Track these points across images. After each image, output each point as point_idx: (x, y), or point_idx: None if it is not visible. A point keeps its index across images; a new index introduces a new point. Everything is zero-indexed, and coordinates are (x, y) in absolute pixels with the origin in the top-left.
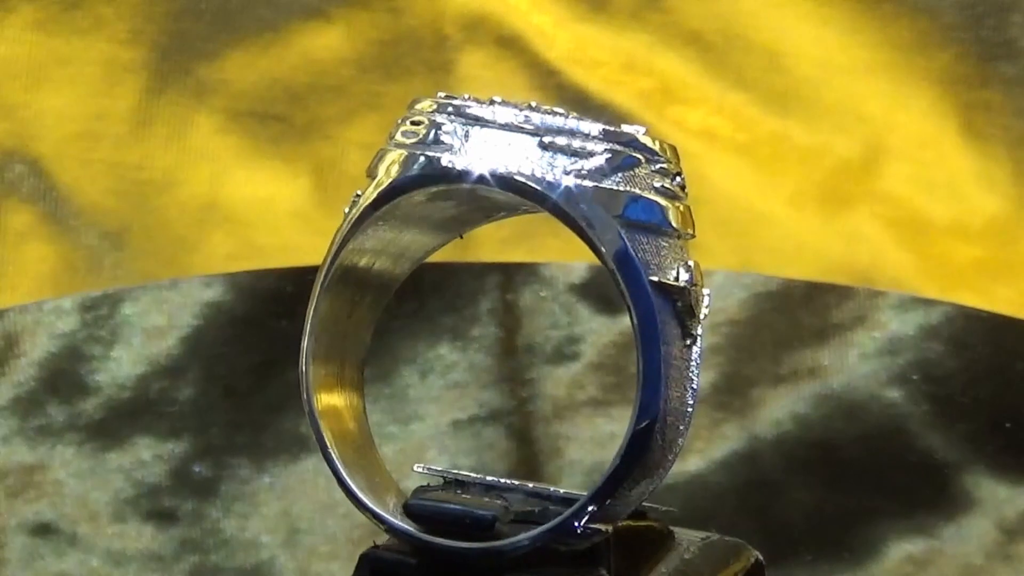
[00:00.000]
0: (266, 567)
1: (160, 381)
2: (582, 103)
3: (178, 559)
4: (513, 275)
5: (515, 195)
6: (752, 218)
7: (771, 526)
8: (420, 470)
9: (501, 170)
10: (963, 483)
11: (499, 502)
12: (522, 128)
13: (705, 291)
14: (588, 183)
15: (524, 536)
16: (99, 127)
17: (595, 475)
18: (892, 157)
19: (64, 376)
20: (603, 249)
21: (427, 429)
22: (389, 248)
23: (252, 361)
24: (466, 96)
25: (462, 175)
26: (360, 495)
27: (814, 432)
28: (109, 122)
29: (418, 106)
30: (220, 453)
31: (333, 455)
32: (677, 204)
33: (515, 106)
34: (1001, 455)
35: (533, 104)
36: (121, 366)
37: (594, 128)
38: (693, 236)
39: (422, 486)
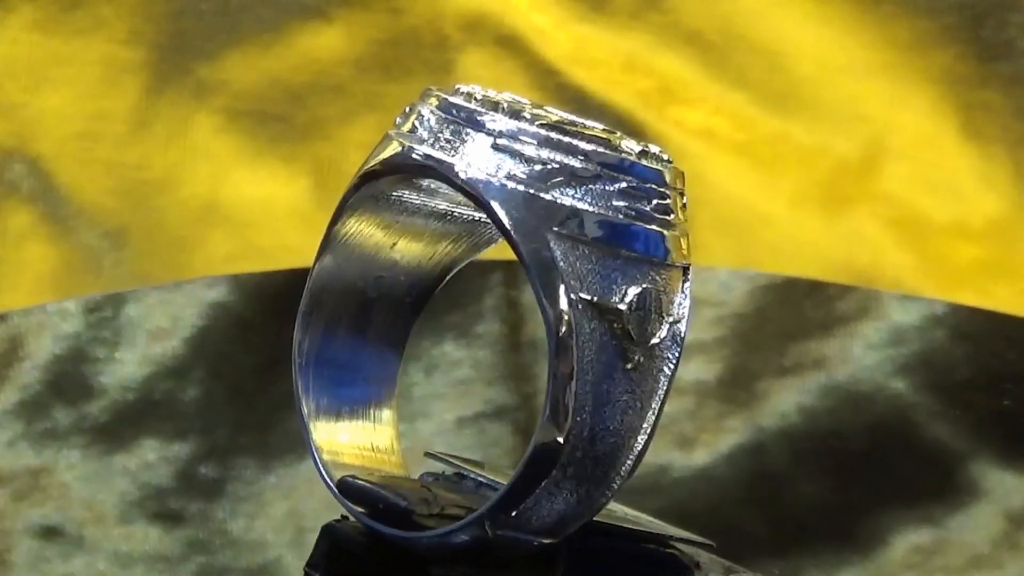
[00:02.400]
0: (273, 567)
1: (165, 382)
2: (582, 103)
3: (185, 560)
4: (516, 272)
5: (460, 193)
6: (752, 218)
7: (777, 518)
8: (434, 454)
9: (446, 165)
10: (969, 473)
11: (426, 494)
12: (481, 127)
13: (670, 317)
14: (528, 190)
15: (426, 534)
16: (99, 127)
17: None
18: (892, 157)
19: (69, 378)
20: (525, 258)
21: (433, 426)
22: (394, 251)
23: (257, 361)
24: (459, 91)
25: (418, 168)
26: (322, 468)
27: (820, 424)
28: (109, 122)
29: (425, 97)
30: (226, 453)
31: (309, 427)
32: (645, 226)
33: (493, 105)
34: (1007, 444)
35: (516, 104)
36: (126, 368)
37: (577, 140)
38: (680, 264)
39: (427, 473)
